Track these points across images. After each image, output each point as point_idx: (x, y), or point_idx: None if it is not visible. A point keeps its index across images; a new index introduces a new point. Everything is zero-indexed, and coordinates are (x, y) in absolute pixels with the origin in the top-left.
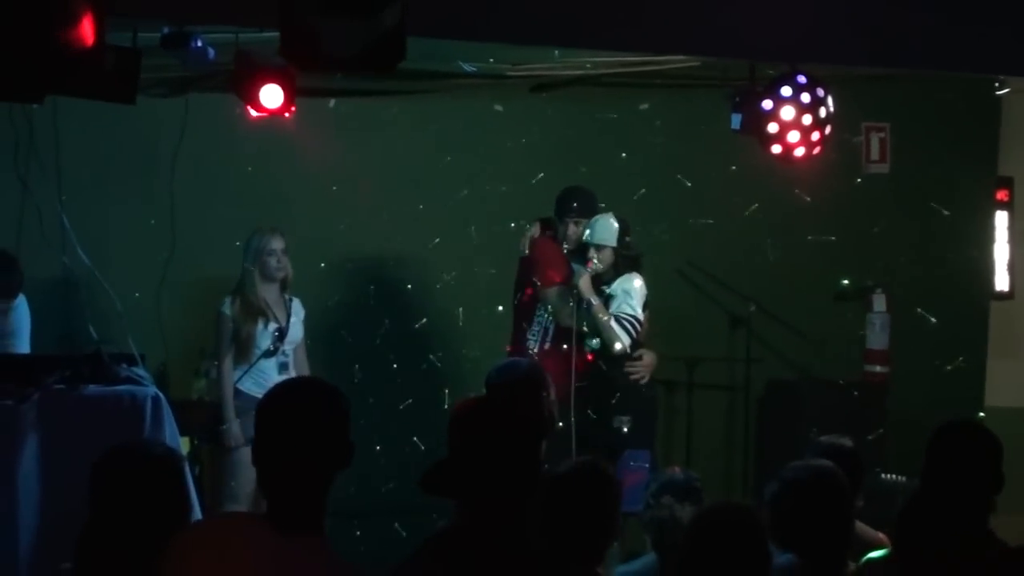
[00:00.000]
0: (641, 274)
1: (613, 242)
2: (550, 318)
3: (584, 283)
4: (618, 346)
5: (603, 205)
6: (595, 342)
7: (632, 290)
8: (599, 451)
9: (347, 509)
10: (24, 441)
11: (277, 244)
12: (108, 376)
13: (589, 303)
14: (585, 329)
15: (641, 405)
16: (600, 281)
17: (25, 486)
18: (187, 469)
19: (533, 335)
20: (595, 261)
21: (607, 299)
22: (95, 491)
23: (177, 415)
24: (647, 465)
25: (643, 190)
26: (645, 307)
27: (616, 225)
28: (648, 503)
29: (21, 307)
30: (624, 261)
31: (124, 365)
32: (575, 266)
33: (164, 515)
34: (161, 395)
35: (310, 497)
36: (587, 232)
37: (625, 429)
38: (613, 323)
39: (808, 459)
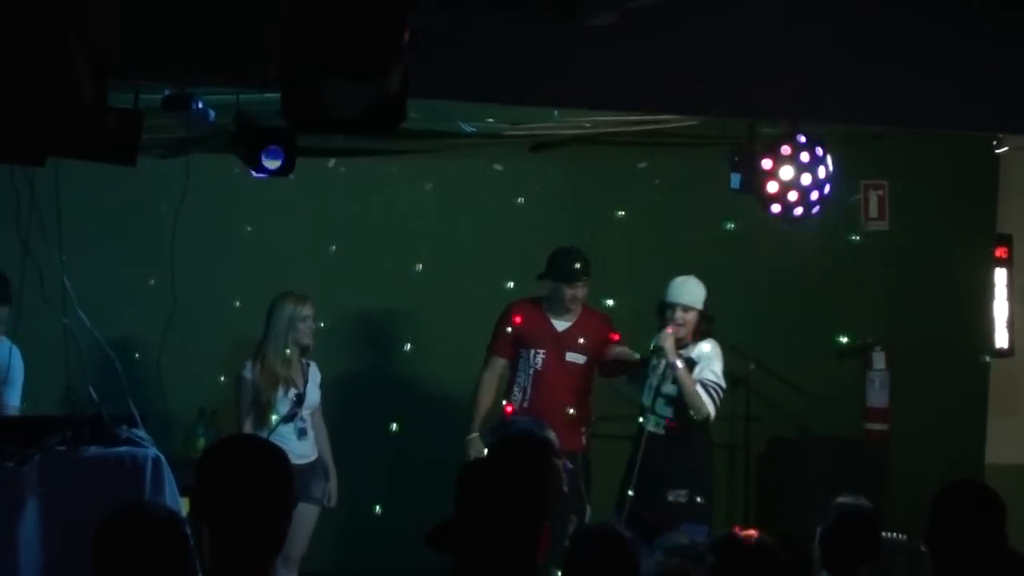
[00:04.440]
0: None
1: (700, 305)
2: (529, 378)
3: (669, 345)
4: (703, 413)
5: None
6: (653, 419)
7: (714, 355)
8: (655, 525)
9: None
10: (25, 503)
11: (309, 311)
12: (109, 438)
13: (674, 367)
14: (659, 396)
15: (699, 477)
16: (678, 345)
17: (26, 548)
18: (188, 531)
19: (514, 396)
20: (679, 324)
21: (689, 364)
22: (98, 555)
23: (178, 476)
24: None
25: (640, 247)
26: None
27: (704, 288)
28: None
29: (15, 357)
30: (706, 326)
31: (124, 427)
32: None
33: None
34: (162, 456)
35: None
36: (671, 292)
37: (683, 501)
38: (699, 388)
39: (830, 518)
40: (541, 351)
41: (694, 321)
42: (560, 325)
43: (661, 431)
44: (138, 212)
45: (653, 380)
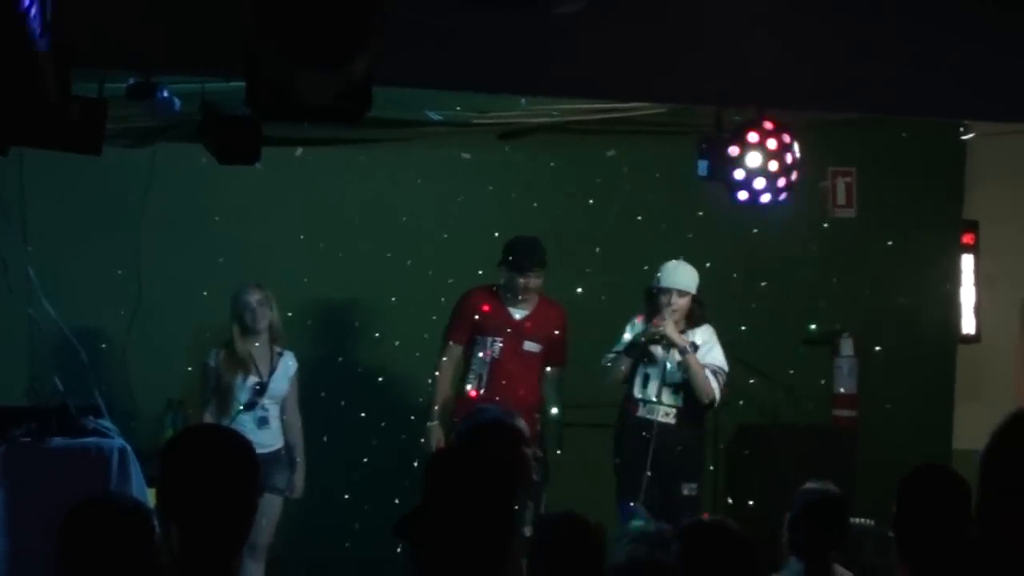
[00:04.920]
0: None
1: (694, 289)
2: (486, 366)
3: (672, 331)
4: (711, 398)
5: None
6: (663, 409)
7: (715, 340)
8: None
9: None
10: None
11: (252, 297)
12: (75, 428)
13: (684, 351)
14: (665, 385)
15: (703, 469)
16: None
17: None
18: (154, 522)
19: (471, 382)
20: (674, 309)
21: (696, 350)
22: (63, 545)
23: (145, 467)
24: None
25: (608, 235)
26: None
27: (696, 273)
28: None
29: None
30: (699, 311)
31: (91, 417)
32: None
33: (131, 571)
34: (128, 447)
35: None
36: (665, 277)
37: (696, 495)
38: (708, 374)
39: (798, 504)
40: (498, 339)
41: (687, 306)
42: (517, 314)
43: (672, 420)
44: (104, 202)
45: (655, 369)
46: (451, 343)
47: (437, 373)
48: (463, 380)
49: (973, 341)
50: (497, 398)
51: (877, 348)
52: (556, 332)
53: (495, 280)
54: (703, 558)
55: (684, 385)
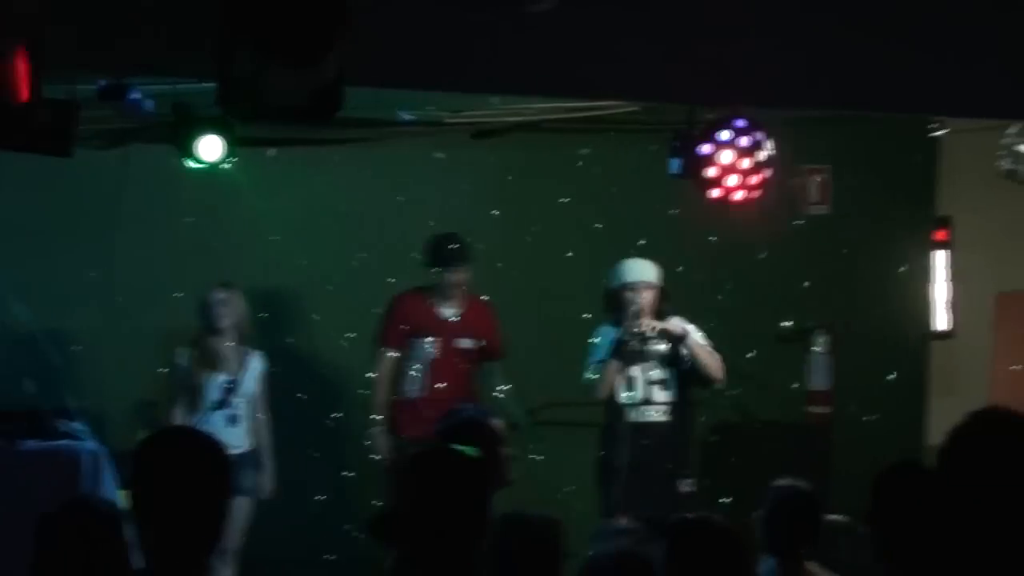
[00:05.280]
0: None
1: (659, 282)
2: (422, 368)
3: (665, 322)
4: (720, 376)
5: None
6: (652, 409)
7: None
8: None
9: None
10: None
11: (216, 296)
12: (46, 431)
13: (684, 336)
14: (651, 384)
15: (691, 463)
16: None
17: None
18: (126, 525)
19: (410, 388)
20: (642, 304)
21: (677, 342)
22: (37, 549)
23: (118, 468)
24: None
25: (582, 234)
26: None
27: (656, 266)
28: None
29: None
30: (665, 305)
31: (62, 420)
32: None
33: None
34: (99, 449)
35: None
36: (630, 273)
37: (693, 491)
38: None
39: (770, 501)
40: (432, 340)
41: (654, 299)
42: (447, 312)
43: (666, 418)
44: (77, 203)
45: (637, 369)
46: (384, 349)
47: (375, 381)
48: (401, 385)
49: (946, 336)
50: (438, 398)
51: (851, 344)
52: (488, 327)
53: (478, 279)
54: (691, 554)
55: (671, 380)
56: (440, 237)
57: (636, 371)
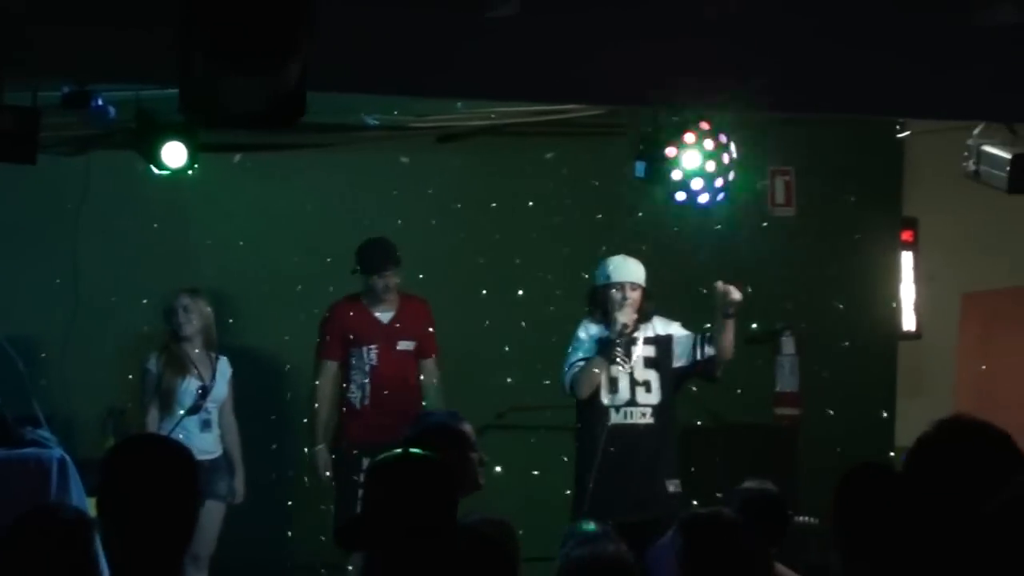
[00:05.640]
0: None
1: (644, 282)
2: (366, 375)
3: (665, 322)
4: (729, 354)
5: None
6: (638, 411)
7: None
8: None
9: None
10: None
11: (180, 302)
12: (12, 439)
13: (727, 312)
14: (636, 385)
15: (677, 463)
16: (634, 327)
17: None
18: (95, 533)
19: (353, 396)
20: (629, 303)
21: (663, 344)
22: (3, 558)
23: (86, 477)
24: None
25: (548, 238)
26: None
27: (642, 265)
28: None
29: None
30: (648, 305)
31: (29, 427)
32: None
33: None
34: (67, 457)
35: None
36: (618, 271)
37: (681, 491)
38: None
39: (736, 503)
40: (373, 346)
41: (640, 300)
42: (384, 317)
43: (651, 420)
44: (40, 210)
45: (620, 370)
46: (325, 361)
47: (317, 395)
48: (345, 393)
49: (914, 337)
50: (384, 404)
51: (819, 347)
52: (425, 325)
53: (437, 284)
54: (704, 550)
55: (656, 382)
56: (369, 241)
57: (619, 372)
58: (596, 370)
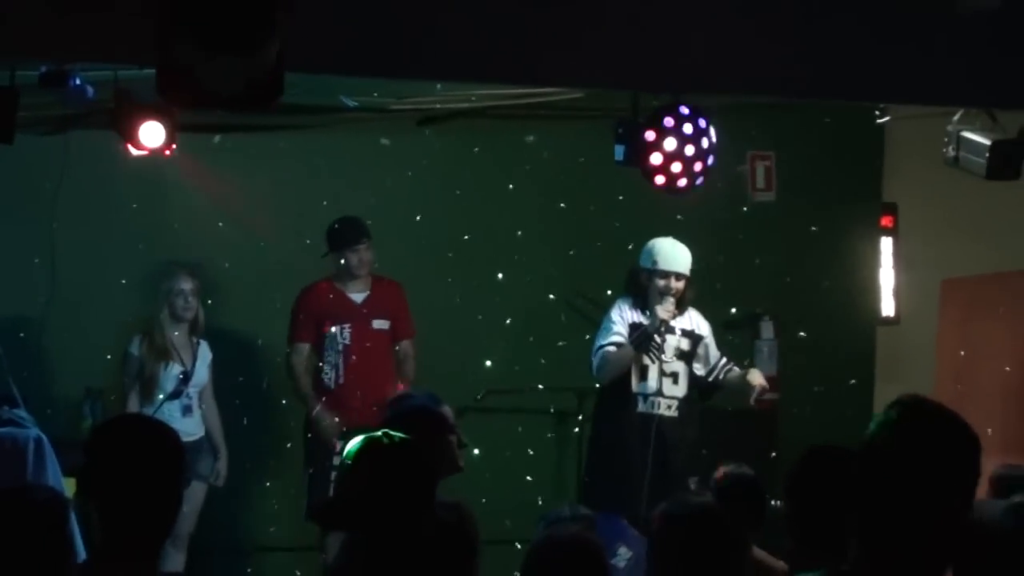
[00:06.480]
0: None
1: (689, 271)
2: (339, 355)
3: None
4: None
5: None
6: (664, 402)
7: (708, 327)
8: None
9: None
10: None
11: (185, 285)
12: None
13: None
14: (664, 376)
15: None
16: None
17: None
18: (71, 513)
19: (326, 376)
20: (673, 294)
21: (696, 342)
22: None
23: (64, 457)
24: None
25: (529, 221)
26: None
27: (689, 252)
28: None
29: None
30: (692, 293)
31: (5, 407)
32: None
33: (46, 563)
34: (44, 437)
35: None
36: (666, 259)
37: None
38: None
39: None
40: (346, 325)
41: (683, 290)
42: (357, 296)
43: (675, 413)
44: (17, 190)
45: (650, 359)
46: (297, 343)
47: (294, 375)
48: (319, 375)
49: (892, 323)
50: (358, 383)
51: (798, 332)
52: (398, 305)
53: (420, 264)
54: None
55: (682, 374)
56: (337, 220)
57: (650, 361)
58: (626, 361)
